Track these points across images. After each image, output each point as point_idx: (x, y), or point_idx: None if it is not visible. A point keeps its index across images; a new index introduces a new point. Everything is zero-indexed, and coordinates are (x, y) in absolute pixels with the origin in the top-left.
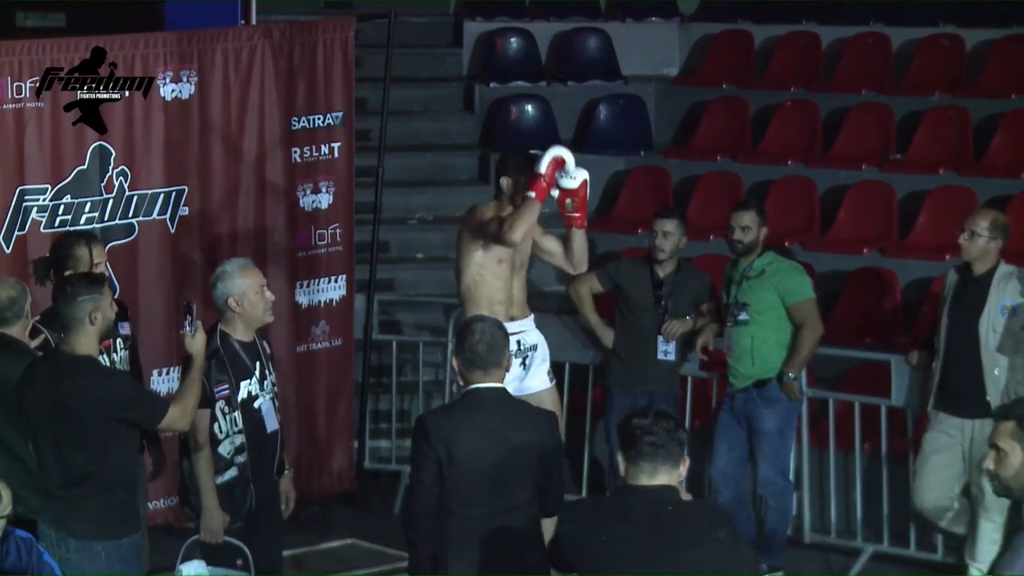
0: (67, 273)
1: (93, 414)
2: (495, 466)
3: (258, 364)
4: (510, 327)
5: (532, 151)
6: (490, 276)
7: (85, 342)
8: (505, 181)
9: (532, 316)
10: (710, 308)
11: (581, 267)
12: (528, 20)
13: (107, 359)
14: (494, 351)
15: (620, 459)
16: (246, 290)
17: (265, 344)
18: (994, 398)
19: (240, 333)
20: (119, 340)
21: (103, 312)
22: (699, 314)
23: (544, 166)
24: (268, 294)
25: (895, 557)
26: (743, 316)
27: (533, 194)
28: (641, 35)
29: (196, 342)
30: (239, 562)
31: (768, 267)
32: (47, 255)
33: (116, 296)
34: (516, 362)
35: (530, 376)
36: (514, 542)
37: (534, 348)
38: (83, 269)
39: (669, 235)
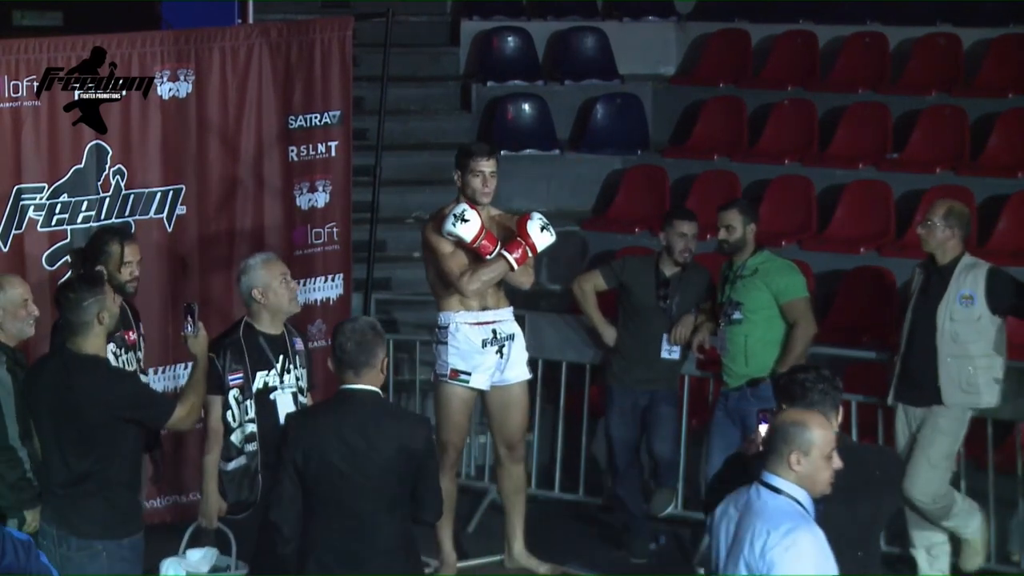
0: (66, 278)
1: (102, 414)
2: (354, 468)
3: (282, 357)
4: (484, 316)
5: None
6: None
7: (94, 342)
8: (456, 174)
9: (511, 308)
10: (707, 307)
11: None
12: (525, 19)
13: (124, 358)
14: (364, 351)
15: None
16: (270, 281)
17: (298, 341)
18: (946, 386)
19: (266, 325)
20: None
21: (109, 310)
22: (697, 311)
23: (535, 233)
24: (292, 283)
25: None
26: (736, 315)
27: (512, 258)
28: (638, 34)
29: (199, 342)
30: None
31: (762, 266)
32: (83, 248)
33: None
34: (492, 350)
35: (509, 367)
36: (379, 547)
37: (511, 338)
38: (114, 266)
39: (693, 237)
